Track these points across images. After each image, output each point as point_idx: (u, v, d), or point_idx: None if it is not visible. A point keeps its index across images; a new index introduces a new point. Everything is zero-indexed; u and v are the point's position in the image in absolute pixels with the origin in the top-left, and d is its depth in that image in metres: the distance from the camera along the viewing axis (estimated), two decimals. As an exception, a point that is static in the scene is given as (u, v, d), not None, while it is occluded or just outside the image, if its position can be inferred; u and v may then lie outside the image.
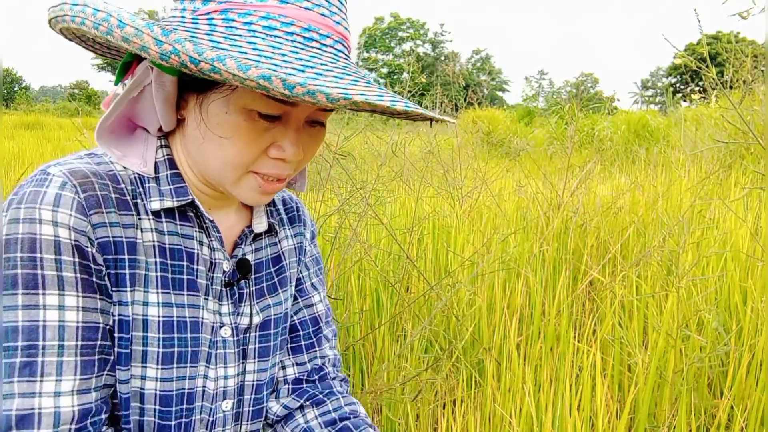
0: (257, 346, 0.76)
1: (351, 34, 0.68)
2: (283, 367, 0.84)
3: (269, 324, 0.77)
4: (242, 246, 0.74)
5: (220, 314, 0.71)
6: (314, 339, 0.85)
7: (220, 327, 0.71)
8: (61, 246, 0.57)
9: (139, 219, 0.64)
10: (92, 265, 0.60)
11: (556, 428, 1.64)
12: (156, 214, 0.66)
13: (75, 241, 0.58)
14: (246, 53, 0.54)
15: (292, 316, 0.84)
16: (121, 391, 0.64)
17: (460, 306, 2.29)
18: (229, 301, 0.72)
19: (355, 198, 2.17)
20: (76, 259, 0.58)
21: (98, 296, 0.60)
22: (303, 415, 0.82)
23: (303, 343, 0.84)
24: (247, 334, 0.74)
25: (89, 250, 0.59)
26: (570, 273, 2.46)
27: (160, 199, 0.66)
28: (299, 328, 0.84)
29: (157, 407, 0.66)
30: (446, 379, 1.98)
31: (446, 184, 3.40)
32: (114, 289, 0.62)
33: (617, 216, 3.13)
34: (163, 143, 0.68)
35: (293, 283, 0.83)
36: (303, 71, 0.54)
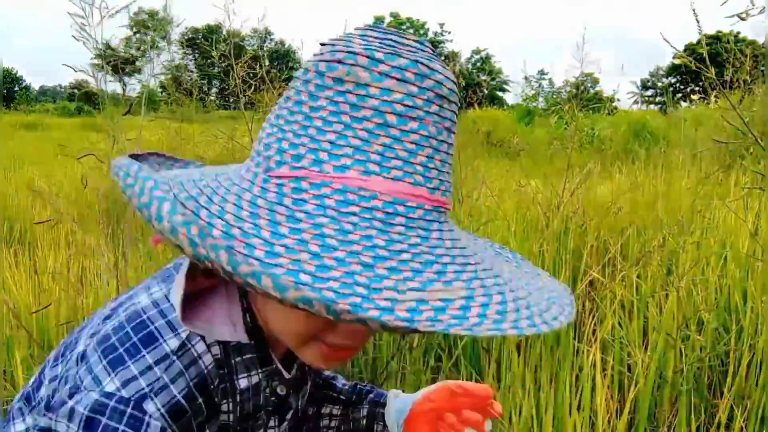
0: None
1: (452, 194, 0.58)
2: None
3: (298, 412, 0.76)
4: (296, 365, 0.71)
5: (266, 427, 0.69)
6: None
7: None
8: None
9: (220, 405, 0.61)
10: None
11: (556, 428, 1.64)
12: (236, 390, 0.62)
13: None
14: (307, 244, 0.46)
15: None
16: None
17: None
18: (277, 417, 0.70)
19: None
20: None
21: None
22: (324, 408, 0.86)
23: None
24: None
25: None
26: (570, 273, 2.46)
27: (248, 376, 0.63)
28: None
29: None
30: (446, 378, 1.97)
31: (446, 184, 3.39)
32: None
33: (617, 216, 3.13)
34: (245, 304, 0.61)
35: None
36: (367, 286, 0.44)
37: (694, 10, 1.69)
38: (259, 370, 0.63)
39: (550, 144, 7.20)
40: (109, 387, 0.53)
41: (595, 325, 2.18)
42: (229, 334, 0.59)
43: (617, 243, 2.79)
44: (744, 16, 1.53)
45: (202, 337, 0.59)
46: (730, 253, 2.43)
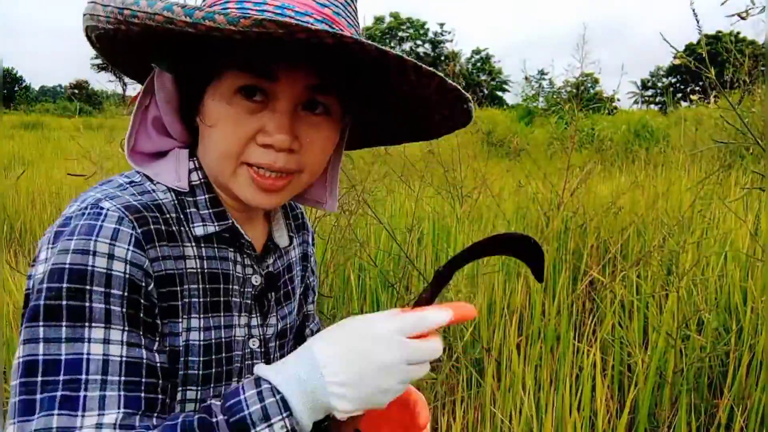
0: (278, 354, 0.76)
1: (354, 28, 0.65)
2: None
3: (286, 332, 0.78)
4: (269, 260, 0.75)
5: (249, 327, 0.71)
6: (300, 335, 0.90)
7: (249, 339, 0.71)
8: (113, 279, 0.56)
9: (183, 247, 0.64)
10: (142, 301, 0.58)
11: (556, 428, 1.64)
12: (197, 239, 0.65)
13: (129, 274, 0.57)
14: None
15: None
16: None
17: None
18: (258, 314, 0.72)
19: (351, 196, 2.17)
20: (126, 294, 0.56)
21: (141, 332, 0.58)
22: None
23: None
24: (270, 344, 0.75)
25: (143, 285, 0.58)
26: (570, 273, 2.46)
27: (203, 225, 0.66)
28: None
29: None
30: (446, 379, 1.98)
31: (446, 184, 3.40)
32: (167, 320, 0.61)
33: (617, 216, 3.13)
34: (196, 165, 0.67)
35: (300, 290, 0.84)
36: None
37: (693, 11, 1.69)
38: (216, 224, 0.66)
39: (550, 144, 7.19)
40: (70, 210, 0.60)
41: (595, 325, 2.18)
42: (173, 181, 0.65)
43: (617, 243, 2.79)
44: (744, 15, 1.53)
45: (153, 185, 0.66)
46: (730, 253, 2.44)
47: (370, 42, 0.53)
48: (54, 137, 11.26)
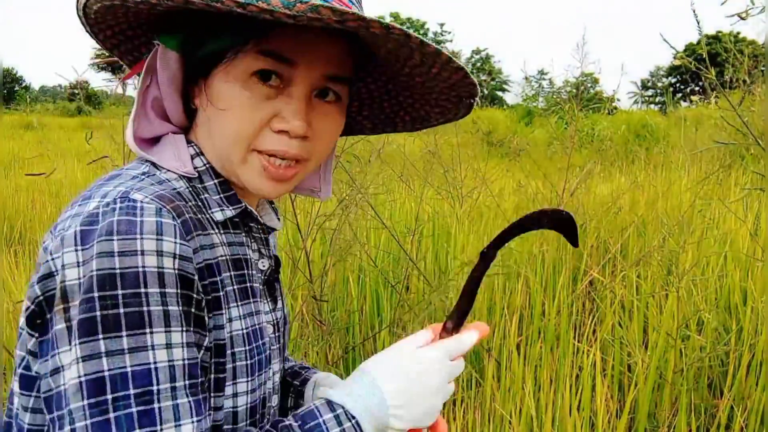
0: (284, 340, 0.76)
1: (360, 8, 0.64)
2: None
3: (286, 317, 0.78)
4: (270, 243, 0.74)
5: (264, 314, 0.70)
6: None
7: (266, 325, 0.70)
8: (166, 277, 0.53)
9: (211, 235, 0.62)
10: (194, 296, 0.56)
11: (556, 428, 1.64)
12: (217, 226, 0.64)
13: (180, 270, 0.54)
14: None
15: None
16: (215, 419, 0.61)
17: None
18: (269, 300, 0.71)
19: (353, 198, 2.17)
20: (179, 290, 0.54)
21: (193, 329, 0.56)
22: None
23: None
24: (279, 329, 0.74)
25: (194, 278, 0.56)
26: (570, 273, 2.46)
27: (221, 210, 0.64)
28: None
29: (248, 421, 0.65)
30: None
31: (446, 184, 3.40)
32: (213, 313, 0.60)
33: (617, 216, 3.14)
34: (197, 150, 0.65)
35: None
36: None
37: (694, 11, 1.69)
38: (230, 207, 0.65)
39: (550, 144, 7.19)
40: (90, 207, 0.55)
41: (595, 325, 2.19)
42: (178, 168, 0.63)
43: (617, 243, 2.79)
44: (744, 15, 1.53)
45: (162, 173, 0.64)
46: (730, 253, 2.44)
47: (415, 34, 0.52)
48: (54, 137, 11.25)
